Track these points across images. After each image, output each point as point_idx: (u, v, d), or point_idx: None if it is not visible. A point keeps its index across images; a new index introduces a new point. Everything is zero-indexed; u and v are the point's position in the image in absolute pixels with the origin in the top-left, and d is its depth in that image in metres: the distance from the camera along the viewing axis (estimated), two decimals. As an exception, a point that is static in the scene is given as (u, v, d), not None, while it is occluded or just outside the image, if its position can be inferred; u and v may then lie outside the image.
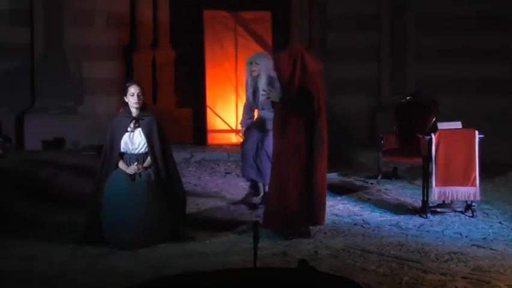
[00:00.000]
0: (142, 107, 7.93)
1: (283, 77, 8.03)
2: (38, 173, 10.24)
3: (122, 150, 7.85)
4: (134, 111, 7.90)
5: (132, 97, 7.86)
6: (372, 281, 6.48)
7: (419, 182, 9.65)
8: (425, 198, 8.99)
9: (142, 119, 7.86)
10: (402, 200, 9.75)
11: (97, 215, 7.70)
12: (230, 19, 13.27)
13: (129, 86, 7.94)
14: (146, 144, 7.82)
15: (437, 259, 7.17)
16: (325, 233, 8.18)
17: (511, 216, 9.01)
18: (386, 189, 10.29)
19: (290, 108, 7.98)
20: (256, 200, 9.27)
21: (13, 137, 12.35)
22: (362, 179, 10.81)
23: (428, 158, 8.97)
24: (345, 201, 9.62)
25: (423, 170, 9.18)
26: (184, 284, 4.98)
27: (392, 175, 10.85)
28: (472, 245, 7.77)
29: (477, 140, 8.85)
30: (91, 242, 7.61)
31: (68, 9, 12.58)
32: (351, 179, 10.83)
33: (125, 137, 7.84)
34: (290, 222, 7.90)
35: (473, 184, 8.82)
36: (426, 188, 9.02)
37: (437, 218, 8.88)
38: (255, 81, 9.16)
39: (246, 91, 9.43)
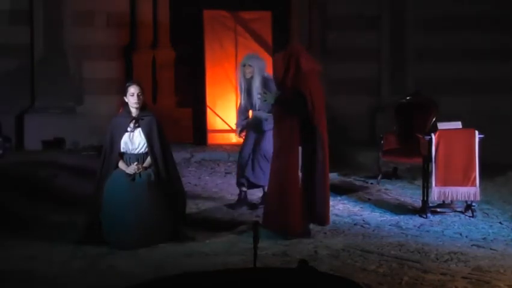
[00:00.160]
0: (142, 107, 7.92)
1: (276, 77, 8.07)
2: (38, 173, 10.22)
3: (122, 150, 7.85)
4: (134, 111, 7.89)
5: (132, 97, 7.86)
6: (372, 281, 6.48)
7: (419, 182, 9.64)
8: (425, 198, 8.98)
9: (142, 119, 7.86)
10: (402, 200, 9.75)
11: (97, 215, 7.70)
12: (230, 19, 13.27)
13: (129, 86, 7.94)
14: (146, 144, 7.82)
15: (437, 259, 7.17)
16: (325, 233, 8.17)
17: (511, 216, 9.01)
18: (386, 189, 10.29)
19: (284, 108, 7.99)
20: (256, 200, 9.27)
21: (13, 137, 12.33)
22: (362, 179, 10.80)
23: (428, 158, 8.97)
24: (345, 201, 9.61)
25: (423, 170, 9.18)
26: (184, 284, 4.98)
27: (392, 175, 10.84)
28: (472, 245, 7.76)
29: (477, 140, 8.84)
30: (91, 242, 7.61)
31: (68, 9, 12.57)
32: (351, 179, 10.83)
33: (125, 137, 7.84)
34: (290, 222, 7.90)
35: (473, 184, 8.82)
36: (426, 188, 9.02)
37: (437, 218, 8.87)
38: (248, 83, 9.09)
39: (240, 93, 9.39)
